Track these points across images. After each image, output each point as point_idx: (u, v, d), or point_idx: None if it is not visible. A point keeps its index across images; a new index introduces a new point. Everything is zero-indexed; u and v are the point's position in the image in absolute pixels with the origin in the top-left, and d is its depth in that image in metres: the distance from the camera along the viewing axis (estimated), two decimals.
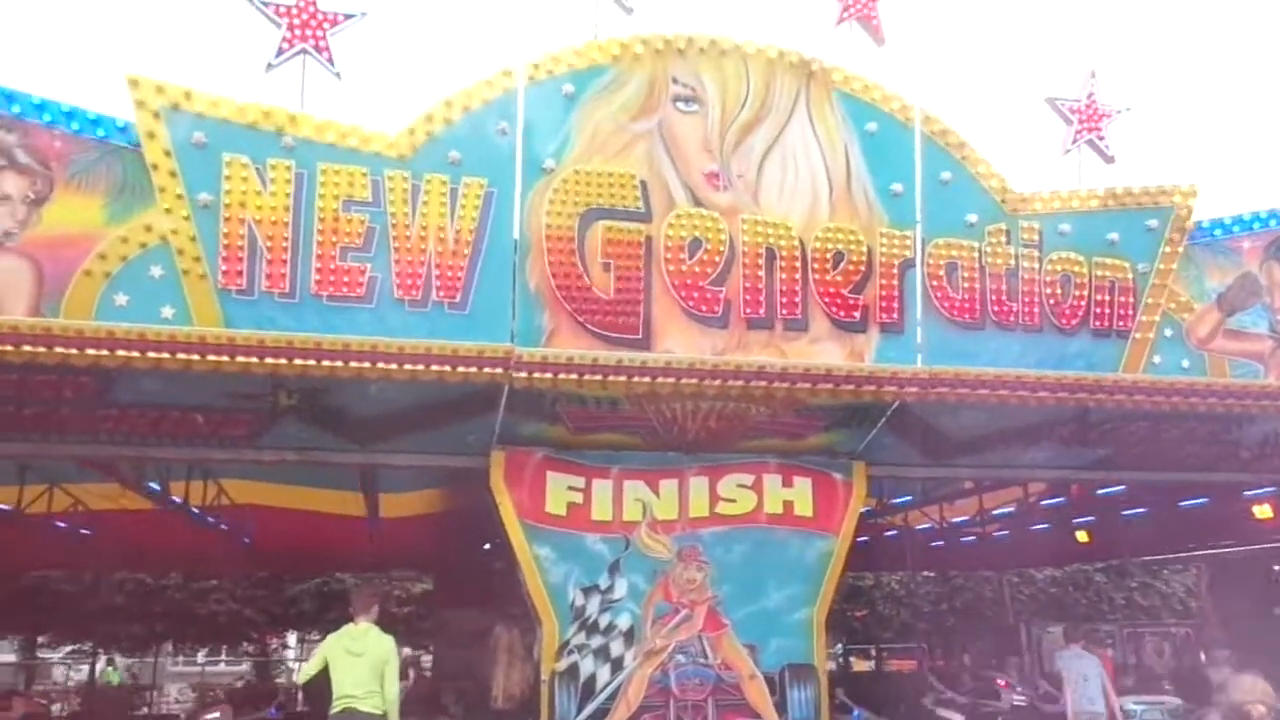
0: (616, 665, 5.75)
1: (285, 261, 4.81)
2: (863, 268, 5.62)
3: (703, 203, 5.43)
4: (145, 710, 15.53)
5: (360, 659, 5.56)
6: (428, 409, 5.55)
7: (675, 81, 5.45)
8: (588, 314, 5.20)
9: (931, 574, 18.09)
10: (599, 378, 5.19)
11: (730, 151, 5.50)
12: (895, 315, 5.67)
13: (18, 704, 13.61)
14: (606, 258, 5.24)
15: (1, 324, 4.46)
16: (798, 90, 5.62)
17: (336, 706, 5.53)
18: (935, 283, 5.72)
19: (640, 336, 5.28)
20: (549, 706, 5.68)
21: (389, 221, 4.94)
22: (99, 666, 18.27)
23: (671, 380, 5.29)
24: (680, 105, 5.46)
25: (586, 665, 5.72)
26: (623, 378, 5.22)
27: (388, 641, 5.74)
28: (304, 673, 6.20)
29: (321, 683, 5.64)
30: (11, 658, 20.79)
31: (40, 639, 18.76)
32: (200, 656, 19.31)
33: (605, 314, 5.22)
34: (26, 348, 4.52)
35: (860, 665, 18.39)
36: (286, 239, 4.80)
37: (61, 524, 11.30)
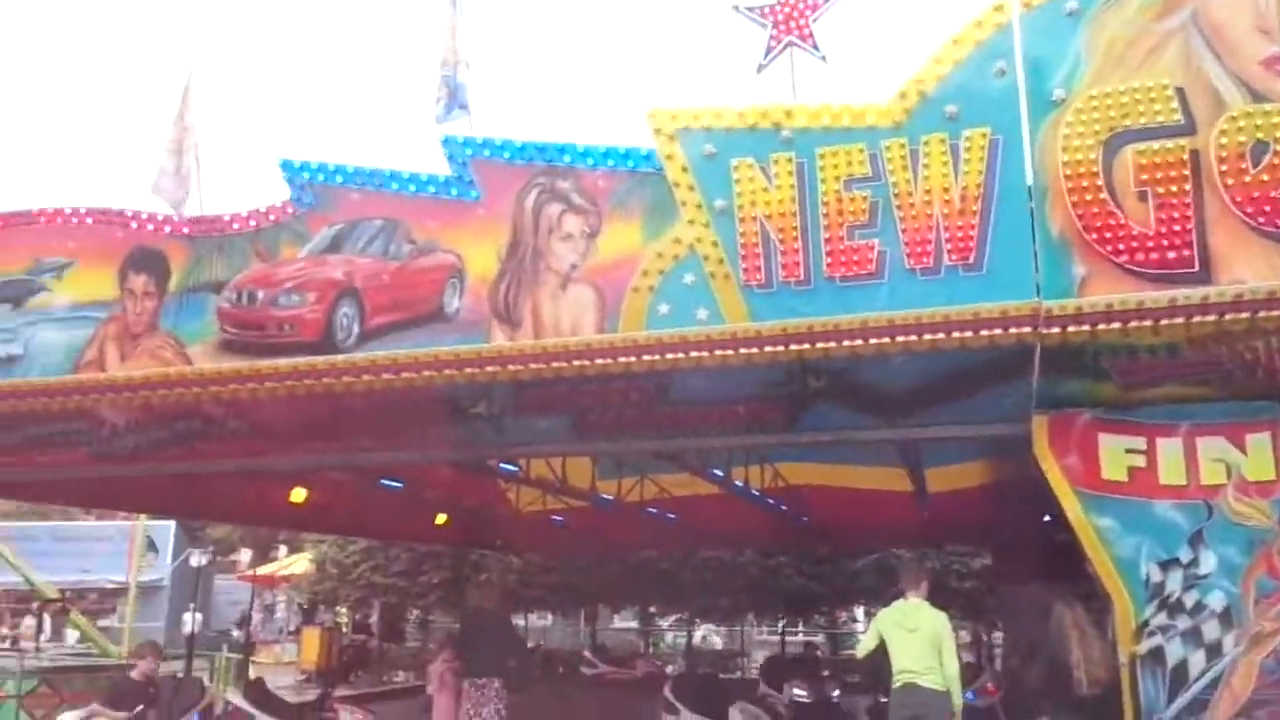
0: (1213, 651, 4.94)
1: (797, 250, 4.98)
2: None
3: (1264, 96, 4.46)
4: (739, 674, 17.23)
5: (914, 634, 5.56)
6: (955, 378, 5.35)
7: None
8: (1126, 253, 4.57)
9: None
10: (1148, 324, 4.53)
11: None
12: None
13: (640, 665, 16.05)
14: (1142, 186, 4.56)
15: (579, 344, 5.28)
16: None
17: (897, 681, 5.60)
18: None
19: (1197, 269, 4.49)
20: (1132, 692, 5.10)
21: (891, 192, 4.86)
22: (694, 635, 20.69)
23: (1245, 315, 4.43)
24: None
25: (1174, 649, 5.00)
26: (1179, 320, 4.49)
27: (940, 617, 5.65)
28: (862, 647, 6.40)
29: (879, 657, 5.75)
30: (634, 625, 24.61)
31: (651, 609, 21.90)
32: (779, 626, 20.91)
33: (1148, 250, 4.54)
34: (599, 361, 5.28)
35: None
36: (795, 229, 4.97)
37: (652, 510, 13.07)
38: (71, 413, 6.60)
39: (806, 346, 4.96)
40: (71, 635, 20.33)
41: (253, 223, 5.89)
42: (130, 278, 6.12)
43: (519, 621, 19.23)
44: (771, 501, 11.94)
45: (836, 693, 12.28)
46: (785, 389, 5.67)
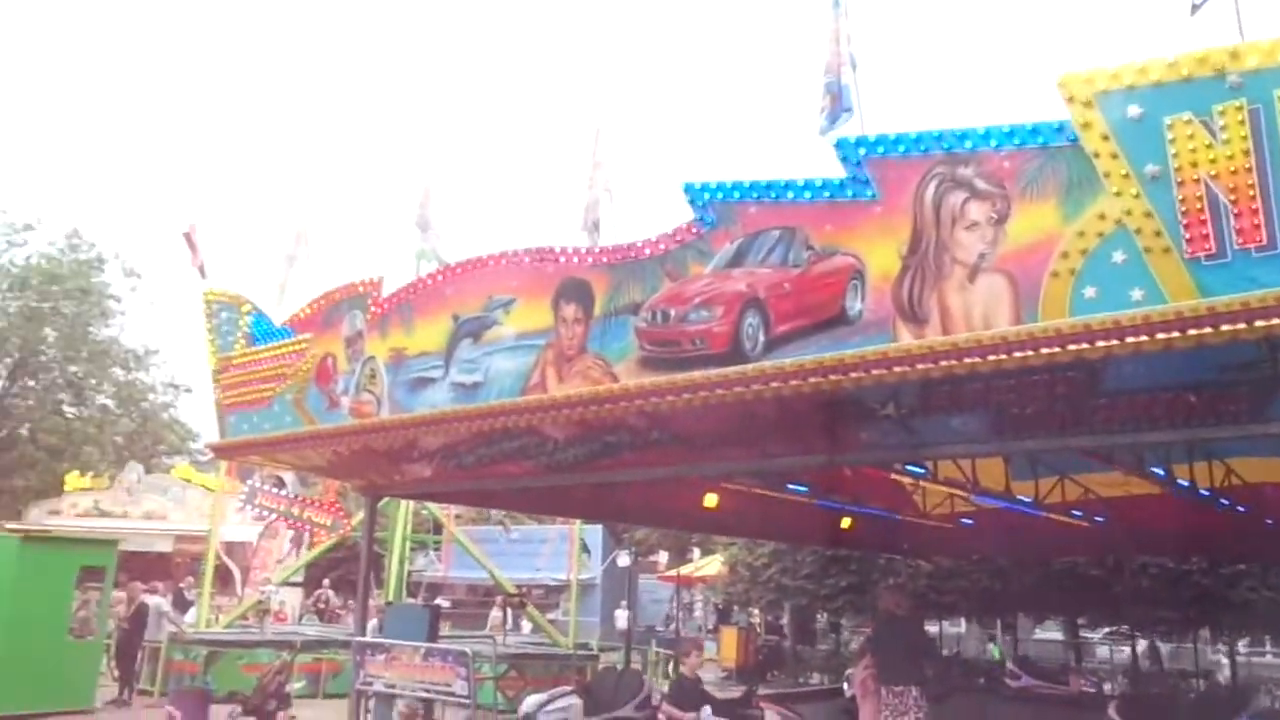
0: None
1: (1257, 212, 4.28)
2: None
3: None
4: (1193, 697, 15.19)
5: None
6: None
7: None
8: None
9: None
10: None
11: None
12: None
13: (1073, 680, 14.74)
14: None
15: (993, 337, 4.98)
16: None
17: None
18: None
19: None
20: None
21: None
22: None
23: None
24: None
25: None
26: None
27: None
28: None
29: None
30: (1059, 636, 22.75)
31: (1079, 620, 20.08)
32: (1240, 646, 18.14)
33: None
34: (1017, 354, 4.93)
35: None
36: (1253, 186, 4.28)
37: (1077, 512, 12.01)
38: (523, 430, 7.52)
39: (1276, 321, 4.25)
40: (525, 626, 23.11)
41: (662, 246, 6.30)
42: (562, 307, 6.83)
43: (931, 628, 18.60)
44: (1225, 502, 10.43)
45: None
46: (1249, 372, 4.91)
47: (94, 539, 17.41)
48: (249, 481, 18.21)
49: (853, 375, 5.47)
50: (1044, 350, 4.85)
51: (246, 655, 14.50)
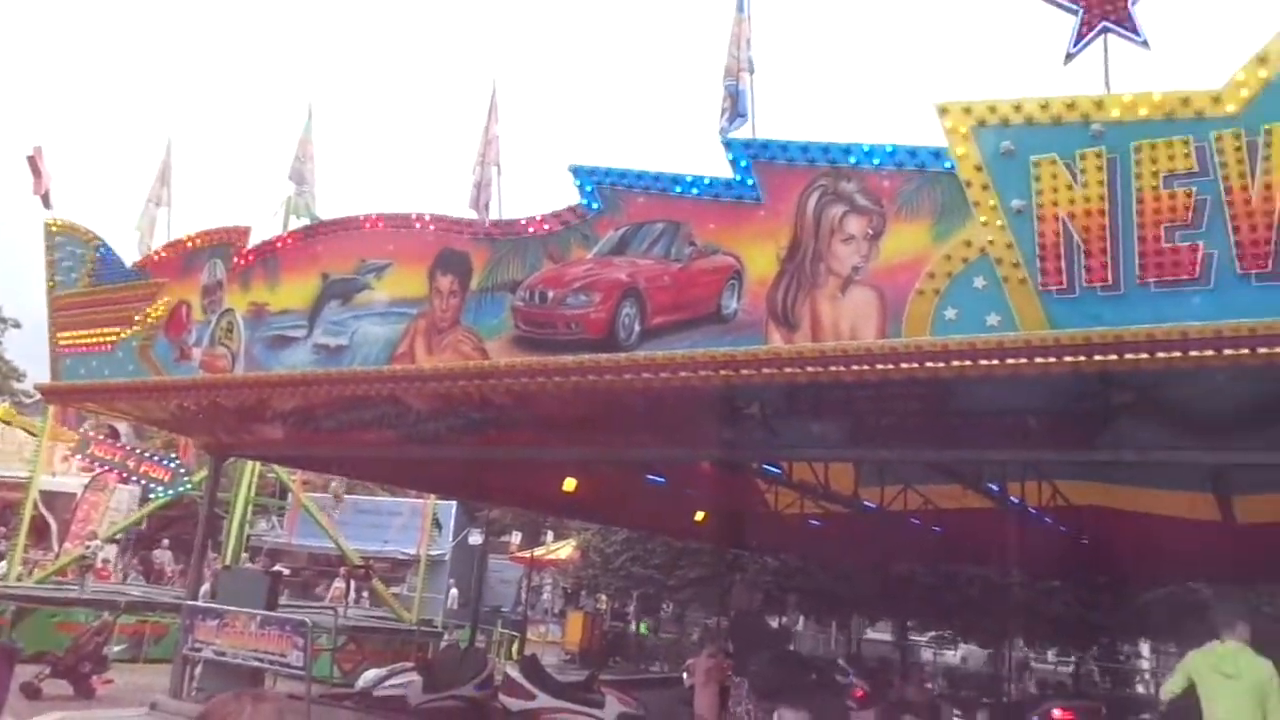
0: None
1: (1105, 253, 4.59)
2: None
3: None
4: (1005, 699, 16.19)
5: (1233, 682, 4.98)
6: None
7: None
8: None
9: None
10: None
11: None
12: None
13: (897, 681, 15.42)
14: None
15: (859, 348, 5.15)
16: None
17: None
18: None
19: None
20: None
21: (1221, 189, 4.35)
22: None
23: None
24: None
25: None
26: None
27: (1266, 666, 5.01)
28: (1167, 689, 5.80)
29: (1187, 703, 5.20)
30: (888, 638, 23.85)
31: (909, 624, 21.12)
32: (1050, 655, 19.49)
33: None
34: (879, 366, 5.13)
35: None
36: (1104, 229, 4.58)
37: (915, 520, 12.61)
38: (385, 399, 7.32)
39: (1113, 358, 4.56)
40: (361, 598, 22.53)
41: (546, 226, 6.24)
42: (438, 277, 6.68)
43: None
44: (1049, 520, 11.17)
45: None
46: (1085, 403, 5.26)
47: None
48: (81, 429, 17.08)
49: (723, 373, 5.57)
50: (904, 365, 5.05)
51: (61, 614, 13.62)
